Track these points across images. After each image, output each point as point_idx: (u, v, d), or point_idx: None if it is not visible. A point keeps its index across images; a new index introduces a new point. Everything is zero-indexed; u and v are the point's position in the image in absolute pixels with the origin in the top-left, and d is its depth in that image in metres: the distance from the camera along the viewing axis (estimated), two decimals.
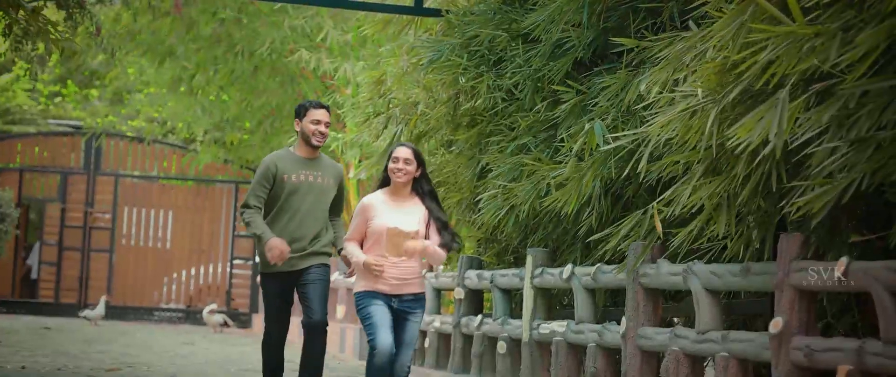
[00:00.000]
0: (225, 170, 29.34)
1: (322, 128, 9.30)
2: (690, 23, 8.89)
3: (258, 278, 9.80)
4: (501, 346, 12.07)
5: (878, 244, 7.76)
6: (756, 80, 7.16)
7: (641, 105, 9.10)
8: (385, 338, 8.42)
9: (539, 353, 11.51)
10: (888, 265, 6.94)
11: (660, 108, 8.39)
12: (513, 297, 12.68)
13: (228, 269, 29.43)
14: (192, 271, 29.60)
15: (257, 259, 8.02)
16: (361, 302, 8.62)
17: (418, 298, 8.69)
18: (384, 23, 15.33)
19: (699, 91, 7.75)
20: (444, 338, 14.05)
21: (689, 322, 10.06)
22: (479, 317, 12.73)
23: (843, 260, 7.25)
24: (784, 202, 7.42)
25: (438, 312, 14.59)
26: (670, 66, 8.49)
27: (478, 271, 12.94)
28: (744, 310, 9.46)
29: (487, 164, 12.40)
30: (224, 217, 29.59)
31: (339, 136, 20.63)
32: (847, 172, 6.64)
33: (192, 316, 28.85)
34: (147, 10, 22.70)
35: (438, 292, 14.68)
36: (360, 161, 20.61)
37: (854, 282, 7.20)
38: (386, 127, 14.81)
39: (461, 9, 13.05)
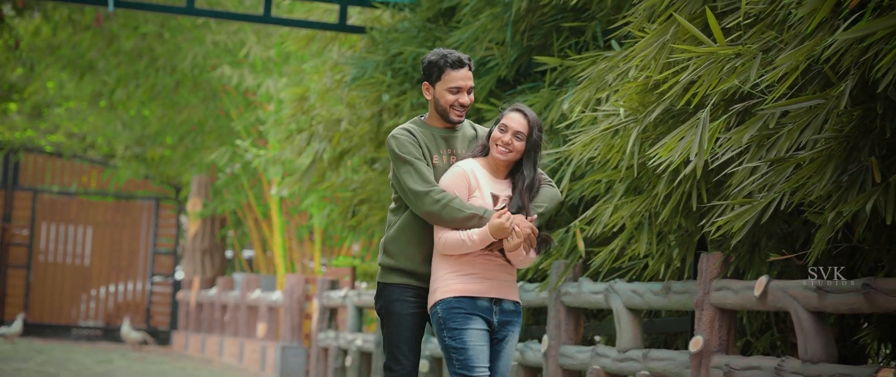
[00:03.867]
0: (145, 186, 29.08)
1: (464, 98, 6.21)
2: (613, 42, 8.95)
3: (372, 294, 7.03)
4: (424, 365, 12.03)
5: (796, 263, 7.84)
6: (677, 100, 7.21)
7: (564, 124, 9.12)
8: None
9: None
10: (806, 284, 7.00)
11: (582, 127, 8.42)
12: None
13: (148, 287, 29.16)
14: (112, 288, 29.28)
15: (403, 263, 6.16)
16: (453, 320, 6.00)
17: (519, 310, 6.22)
18: (308, 39, 15.28)
19: (621, 110, 7.79)
20: (365, 356, 14.00)
21: (611, 340, 10.09)
22: None
23: (762, 279, 7.31)
24: (704, 221, 7.46)
25: (360, 330, 14.53)
26: (593, 86, 8.52)
27: None
28: (664, 329, 9.50)
29: None
30: (144, 233, 29.32)
31: (262, 152, 20.52)
32: (766, 192, 6.70)
33: (110, 333, 28.52)
34: (67, 24, 22.46)
35: (360, 310, 14.62)
36: (282, 178, 20.51)
37: (773, 300, 7.26)
38: (309, 144, 14.74)
39: (385, 26, 13.04)
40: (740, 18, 6.80)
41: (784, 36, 6.47)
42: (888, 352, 8.01)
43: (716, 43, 6.64)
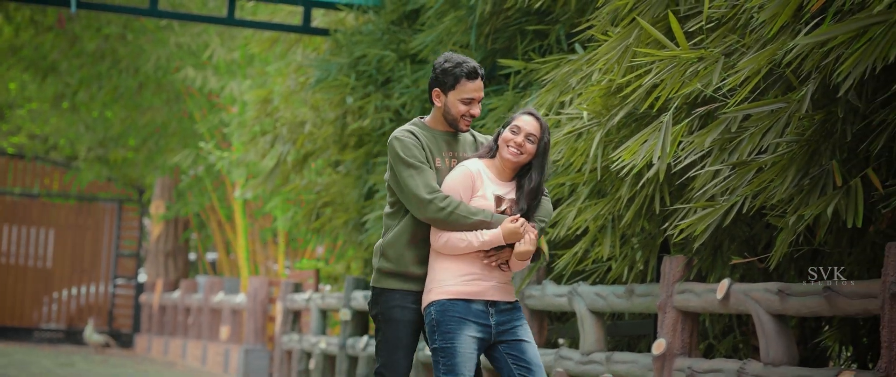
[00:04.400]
0: (108, 188, 28.93)
1: (476, 109, 6.05)
2: (577, 46, 8.97)
3: (367, 299, 6.75)
4: None
5: (758, 266, 7.88)
6: (640, 104, 7.23)
7: None
8: None
9: (425, 374, 11.48)
10: (768, 287, 7.04)
11: None
12: None
13: (111, 289, 29.01)
14: (74, 291, 29.12)
15: (404, 267, 6.00)
16: (446, 323, 5.88)
17: (517, 306, 6.08)
18: (271, 41, 15.25)
19: (585, 114, 7.81)
20: (329, 359, 13.97)
21: (574, 343, 10.11)
22: (365, 338, 12.68)
23: (725, 282, 7.34)
24: (667, 224, 7.49)
25: (324, 333, 14.51)
26: (556, 89, 8.54)
27: (364, 292, 12.88)
28: (628, 332, 9.53)
29: (374, 185, 12.38)
30: (107, 235, 29.17)
31: (225, 154, 20.46)
32: (729, 195, 6.73)
33: (73, 336, 28.36)
34: (29, 25, 22.32)
35: (324, 313, 14.60)
36: (246, 180, 20.45)
37: (735, 303, 7.29)
38: (272, 146, 14.71)
39: (349, 28, 13.02)
40: (703, 22, 6.83)
41: (746, 40, 6.51)
42: (849, 354, 8.06)
43: (678, 47, 6.67)
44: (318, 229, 14.39)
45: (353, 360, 13.15)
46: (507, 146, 5.89)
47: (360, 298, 12.81)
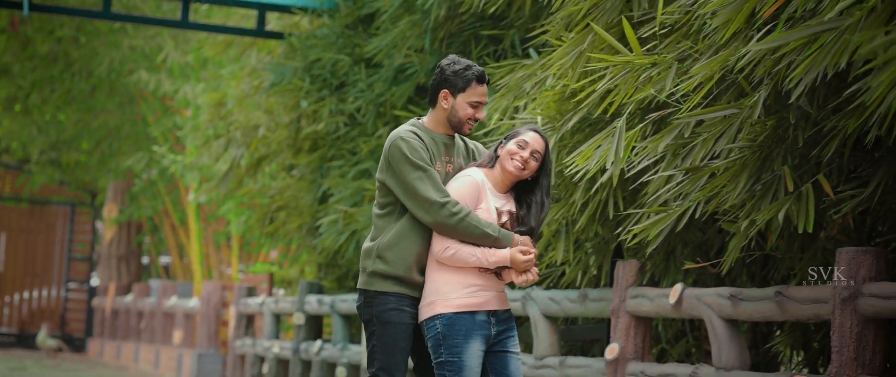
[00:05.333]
0: (61, 191, 28.72)
1: (480, 113, 6.05)
2: (531, 51, 8.99)
3: (359, 307, 6.20)
4: (340, 372, 11.99)
5: (711, 271, 7.92)
6: (594, 109, 7.25)
7: (482, 132, 9.14)
8: None
9: None
10: (720, 292, 7.07)
11: (501, 134, 8.44)
12: (353, 323, 12.62)
13: (63, 293, 28.81)
14: (26, 295, 28.89)
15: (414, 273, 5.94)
16: (453, 336, 5.84)
17: (512, 316, 6.09)
18: (225, 45, 15.20)
19: (539, 118, 7.82)
20: (282, 363, 13.93)
21: (528, 348, 10.12)
22: (319, 342, 12.65)
23: (678, 286, 7.37)
24: (621, 229, 7.51)
25: (277, 337, 14.46)
26: (511, 94, 8.55)
27: (318, 296, 12.86)
28: (581, 336, 9.55)
29: (329, 189, 12.35)
30: (59, 239, 28.97)
31: (179, 158, 20.37)
32: (682, 200, 6.76)
33: (25, 340, 28.13)
34: None
35: (277, 317, 14.55)
36: (199, 184, 20.36)
37: (687, 308, 7.32)
38: (226, 150, 14.66)
39: (303, 32, 13.00)
40: (656, 28, 6.86)
41: (699, 46, 6.53)
42: (800, 359, 8.11)
43: (632, 52, 6.69)
44: (272, 233, 14.34)
45: (307, 365, 13.11)
46: (512, 159, 5.88)
47: (314, 302, 12.78)
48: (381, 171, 5.96)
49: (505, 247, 5.82)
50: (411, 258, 5.91)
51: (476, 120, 6.00)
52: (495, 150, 5.97)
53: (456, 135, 6.08)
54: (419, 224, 5.89)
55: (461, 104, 5.94)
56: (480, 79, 5.95)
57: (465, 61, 5.98)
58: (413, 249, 5.91)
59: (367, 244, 5.99)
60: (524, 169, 5.89)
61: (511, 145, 5.90)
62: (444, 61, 6.00)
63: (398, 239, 5.92)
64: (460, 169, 6.03)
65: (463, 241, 5.82)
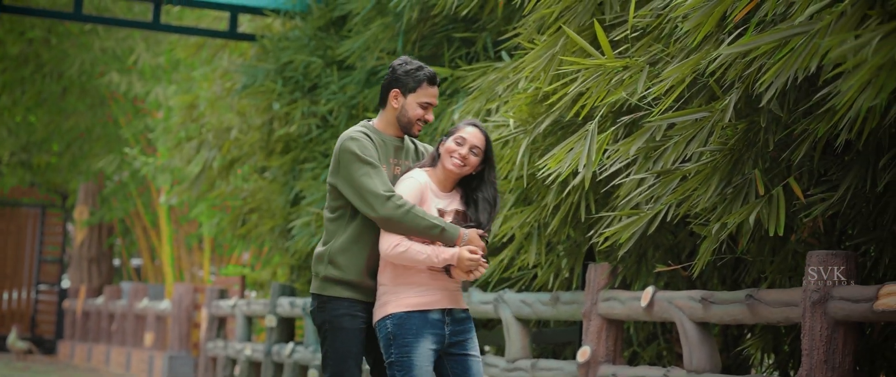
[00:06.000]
0: (31, 193, 28.58)
1: (430, 115, 6.05)
2: (503, 54, 8.99)
3: (310, 308, 6.21)
4: (313, 374, 11.98)
5: (682, 274, 7.93)
6: (566, 112, 7.26)
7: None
8: None
9: None
10: (691, 295, 7.09)
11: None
12: None
13: (33, 295, 28.67)
14: None
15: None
16: (404, 336, 5.82)
17: (469, 316, 6.03)
18: (197, 46, 15.16)
19: (511, 121, 7.83)
20: (254, 366, 13.90)
21: (500, 350, 10.13)
22: (291, 345, 12.63)
23: (649, 290, 7.38)
24: (592, 232, 7.52)
25: (249, 340, 14.43)
26: (483, 96, 8.56)
27: (290, 299, 12.83)
28: (553, 339, 9.56)
29: (301, 191, 12.33)
30: (30, 241, 28.82)
31: (150, 160, 20.30)
32: (653, 204, 6.77)
33: None
34: None
35: (249, 319, 14.52)
36: (171, 186, 20.30)
37: (659, 311, 7.34)
38: (198, 152, 14.62)
39: (276, 34, 12.98)
40: (628, 31, 6.87)
41: (670, 49, 6.55)
42: (771, 362, 8.14)
43: (604, 55, 6.70)
44: (244, 235, 14.32)
45: (279, 367, 13.08)
46: (451, 156, 5.84)
47: (286, 305, 12.75)
48: (331, 174, 5.94)
49: (452, 240, 5.78)
50: (363, 262, 5.89)
51: (425, 121, 5.99)
52: (437, 149, 5.94)
53: (406, 137, 6.07)
54: (371, 227, 5.87)
55: (411, 104, 5.94)
56: (432, 80, 5.96)
57: (416, 62, 5.99)
58: (365, 253, 5.89)
59: (318, 249, 5.97)
60: (464, 165, 5.85)
61: (450, 143, 5.87)
62: (396, 61, 6.01)
63: (350, 243, 5.90)
64: (409, 171, 6.00)
65: (411, 238, 5.78)
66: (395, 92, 5.95)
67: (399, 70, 5.96)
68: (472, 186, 5.94)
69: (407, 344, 5.77)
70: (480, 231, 5.85)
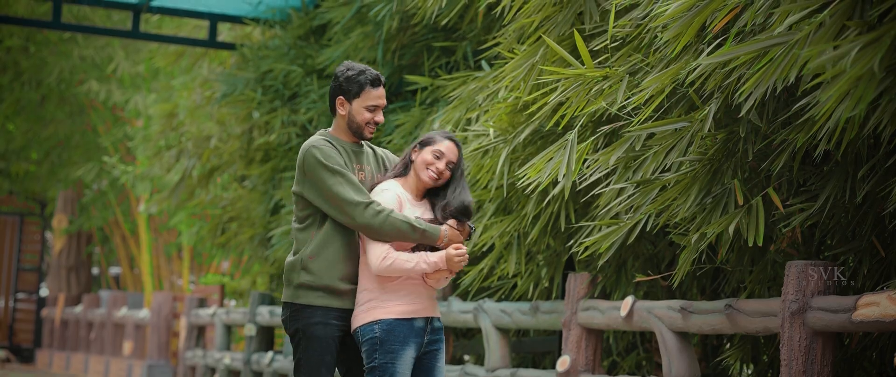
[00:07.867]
0: (10, 201, 28.47)
1: (379, 116, 6.03)
2: (483, 63, 9.00)
3: (283, 317, 6.10)
4: None
5: (662, 284, 7.94)
6: (546, 121, 7.27)
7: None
8: None
9: None
10: (671, 305, 7.09)
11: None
12: None
13: (11, 304, 28.55)
14: None
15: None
16: (390, 342, 5.81)
17: (442, 326, 6.07)
18: (177, 55, 15.14)
19: (491, 131, 7.83)
20: (233, 375, 13.86)
21: (480, 359, 10.12)
22: (270, 353, 12.60)
23: (628, 299, 7.38)
24: (572, 242, 7.52)
25: (228, 348, 14.40)
26: (463, 106, 8.56)
27: (270, 307, 12.81)
28: (532, 348, 9.56)
29: (281, 200, 12.31)
30: (8, 249, 28.69)
31: (130, 168, 20.25)
32: (633, 213, 6.78)
33: None
34: None
35: (229, 328, 14.49)
36: (151, 194, 20.26)
37: (638, 321, 7.34)
38: (178, 160, 14.59)
39: (255, 43, 12.97)
40: (607, 41, 6.88)
41: (650, 59, 6.56)
42: (750, 372, 8.15)
43: (584, 65, 6.71)
44: (224, 244, 14.29)
45: (258, 376, 13.05)
46: (427, 169, 5.86)
47: (266, 314, 12.73)
48: (297, 184, 5.91)
49: (434, 239, 5.79)
50: (336, 265, 5.87)
51: (376, 123, 5.98)
52: (408, 156, 5.94)
53: (363, 142, 6.08)
54: (341, 230, 5.86)
55: (358, 109, 5.94)
56: (375, 82, 5.94)
57: (359, 66, 5.99)
58: (337, 256, 5.87)
59: (289, 258, 5.94)
60: (439, 179, 5.88)
61: (427, 155, 5.88)
62: (339, 68, 6.01)
63: (321, 248, 5.88)
64: (372, 176, 6.01)
65: (393, 245, 5.77)
66: (340, 99, 5.97)
67: (341, 77, 5.96)
68: (435, 192, 5.96)
69: (393, 351, 5.76)
70: (458, 225, 5.84)
